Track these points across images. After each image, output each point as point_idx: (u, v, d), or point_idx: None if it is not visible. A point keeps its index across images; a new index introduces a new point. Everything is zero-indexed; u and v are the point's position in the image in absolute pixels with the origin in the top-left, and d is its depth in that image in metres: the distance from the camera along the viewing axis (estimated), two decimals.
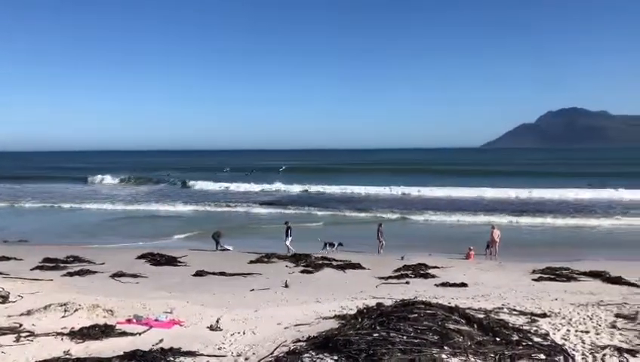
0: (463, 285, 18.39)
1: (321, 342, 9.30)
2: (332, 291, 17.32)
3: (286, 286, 18.53)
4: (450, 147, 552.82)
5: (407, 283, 19.23)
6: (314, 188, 62.43)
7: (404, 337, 9.14)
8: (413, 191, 57.59)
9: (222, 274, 21.11)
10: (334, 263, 23.02)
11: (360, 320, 10.66)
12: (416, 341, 8.97)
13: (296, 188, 63.25)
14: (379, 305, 11.79)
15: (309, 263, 23.16)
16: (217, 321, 12.02)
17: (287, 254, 25.26)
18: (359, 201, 50.85)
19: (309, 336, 10.02)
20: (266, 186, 65.22)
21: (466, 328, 9.90)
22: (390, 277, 20.26)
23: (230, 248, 27.26)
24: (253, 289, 17.91)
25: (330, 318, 11.87)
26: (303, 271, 21.81)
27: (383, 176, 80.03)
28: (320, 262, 23.36)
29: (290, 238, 26.48)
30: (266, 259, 24.20)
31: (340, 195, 57.35)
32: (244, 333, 11.16)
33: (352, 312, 11.88)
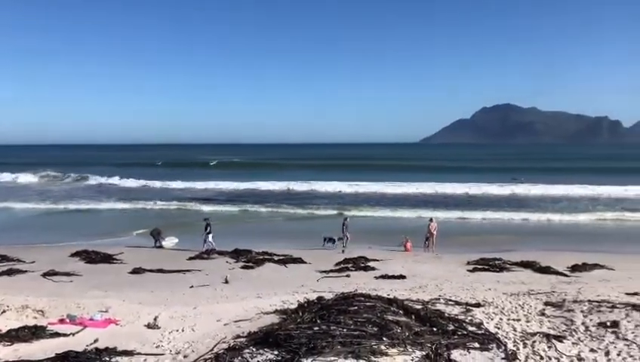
0: (402, 277, 18.76)
1: (262, 337, 9.27)
2: (273, 286, 17.28)
3: (226, 282, 18.34)
4: (389, 142, 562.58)
5: (348, 276, 19.43)
6: (250, 185, 60.44)
7: (345, 330, 9.25)
8: (351, 186, 57.71)
9: (160, 271, 20.64)
10: (275, 258, 22.97)
11: (301, 314, 10.70)
12: (356, 333, 9.10)
13: (232, 185, 60.76)
14: (320, 298, 11.87)
15: (249, 259, 22.99)
16: (155, 319, 11.75)
17: (204, 250, 24.84)
18: (299, 197, 50.42)
19: (250, 332, 9.97)
20: (199, 184, 61.60)
21: (404, 319, 10.13)
22: (331, 271, 20.41)
23: (172, 243, 26.71)
24: (192, 286, 17.61)
25: (271, 313, 11.84)
26: (243, 267, 21.63)
27: (321, 171, 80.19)
28: (261, 257, 23.22)
29: (211, 234, 25.87)
30: (205, 256, 23.85)
31: (279, 191, 56.32)
32: (182, 331, 10.98)
33: (293, 306, 11.90)
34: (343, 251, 25.27)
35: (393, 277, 18.81)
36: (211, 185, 60.88)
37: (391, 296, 12.51)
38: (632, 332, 9.44)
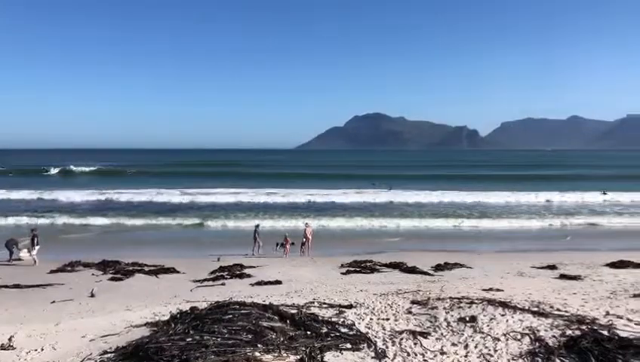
0: (278, 282, 18.85)
1: (131, 352, 8.83)
2: (144, 298, 16.55)
3: (92, 295, 17.25)
4: (266, 148, 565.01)
5: (223, 284, 19.15)
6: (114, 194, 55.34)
7: (219, 339, 9.08)
8: (217, 193, 56.51)
9: (16, 286, 18.92)
10: (146, 269, 22.04)
11: (173, 325, 10.34)
12: (230, 342, 8.97)
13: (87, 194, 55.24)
14: (193, 308, 11.54)
15: (117, 270, 21.85)
16: (10, 339, 10.73)
17: (30, 263, 23.38)
18: (169, 208, 47.20)
19: (118, 347, 9.44)
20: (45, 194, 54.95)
21: (279, 324, 10.16)
22: (206, 280, 20.00)
23: (31, 255, 24.34)
24: (54, 301, 16.34)
25: (142, 326, 11.31)
26: (111, 279, 20.50)
27: (193, 179, 78.33)
28: (131, 268, 22.17)
29: (37, 247, 24.00)
30: (69, 268, 22.27)
31: (146, 201, 52.14)
32: (42, 350, 10.12)
33: (165, 318, 11.46)
34: (252, 255, 25.90)
35: (269, 283, 18.85)
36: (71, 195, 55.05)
37: (266, 302, 12.50)
38: (487, 326, 10.23)
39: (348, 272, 20.73)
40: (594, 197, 53.72)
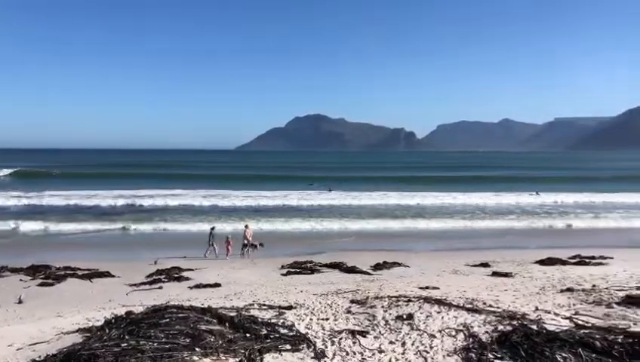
0: (217, 285, 18.61)
1: (62, 360, 8.48)
2: (77, 303, 15.97)
3: (20, 302, 16.48)
4: (205, 149, 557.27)
5: (161, 288, 18.74)
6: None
7: (155, 344, 8.87)
8: (146, 195, 54.75)
9: None
10: (79, 273, 21.26)
11: (107, 331, 10.01)
12: (167, 346, 8.78)
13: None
14: (129, 313, 11.22)
15: (48, 275, 20.95)
16: None
17: None
18: (101, 211, 45.71)
19: (47, 355, 9.05)
20: None
21: (217, 327, 10.03)
22: (142, 284, 19.50)
23: None
24: None
25: (74, 333, 10.90)
26: (41, 284, 19.63)
27: (126, 180, 75.95)
28: (62, 272, 21.32)
29: None
30: None
31: (77, 203, 49.81)
32: None
33: (99, 324, 11.08)
34: (205, 256, 25.81)
35: (208, 285, 18.59)
36: None
37: (205, 306, 12.32)
38: (424, 323, 10.48)
39: (288, 273, 20.73)
40: (527, 198, 55.77)
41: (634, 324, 10.20)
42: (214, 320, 10.53)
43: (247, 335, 9.78)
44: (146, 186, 62.28)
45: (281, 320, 11.12)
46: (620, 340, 8.83)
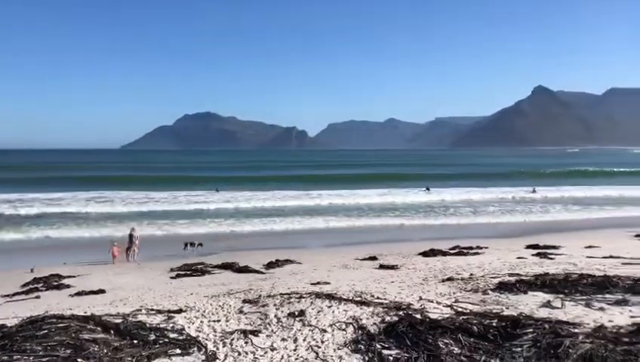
0: (101, 291, 17.67)
1: None
2: None
3: None
4: (87, 148, 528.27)
5: (38, 297, 17.43)
6: None
7: (31, 358, 8.28)
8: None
9: None
10: None
11: None
12: (45, 359, 8.23)
13: None
14: (0, 326, 10.37)
15: None
16: None
17: None
18: None
19: None
20: None
21: (102, 336, 9.55)
22: (17, 294, 18.04)
23: None
24: None
25: None
26: None
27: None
28: None
29: None
30: None
31: None
32: None
33: None
34: (128, 260, 24.81)
35: (92, 292, 17.58)
36: None
37: (88, 314, 11.69)
38: (315, 318, 10.65)
39: (178, 276, 20.15)
40: (416, 195, 58.21)
41: (506, 308, 11.05)
42: (98, 329, 10.02)
43: (135, 341, 9.41)
44: (22, 190, 57.76)
45: (171, 325, 10.81)
46: (494, 324, 9.53)
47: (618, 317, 10.19)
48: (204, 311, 12.01)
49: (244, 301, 12.84)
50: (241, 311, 11.82)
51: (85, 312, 12.25)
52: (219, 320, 11.12)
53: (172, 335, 9.91)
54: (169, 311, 12.09)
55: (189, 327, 10.59)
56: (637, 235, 28.78)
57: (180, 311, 12.16)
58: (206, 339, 9.78)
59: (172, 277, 19.99)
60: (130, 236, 26.26)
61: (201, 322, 11.04)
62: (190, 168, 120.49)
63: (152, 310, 12.37)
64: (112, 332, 9.86)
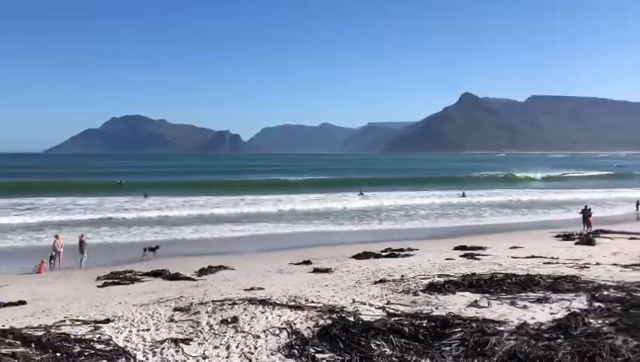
0: (22, 303, 16.71)
1: None
2: None
3: None
4: (9, 152, 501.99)
5: None
6: None
7: None
8: None
9: None
10: None
11: None
12: None
13: None
14: None
15: None
16: None
17: None
18: None
19: None
20: None
21: (21, 350, 9.08)
22: None
23: None
24: None
25: None
26: None
27: None
28: None
29: None
30: None
31: None
32: None
33: None
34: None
35: (11, 304, 16.59)
36: None
37: (6, 327, 11.07)
38: (248, 324, 10.54)
39: (105, 285, 19.41)
40: (351, 200, 58.76)
41: (436, 309, 11.34)
42: (18, 342, 9.53)
43: (58, 354, 8.99)
44: None
45: (97, 335, 10.41)
46: (424, 324, 9.77)
47: (540, 314, 10.68)
48: (133, 321, 11.62)
49: (175, 309, 12.53)
50: (171, 320, 11.53)
51: (4, 326, 11.60)
52: (148, 329, 10.80)
53: (99, 347, 9.54)
54: (96, 322, 11.63)
55: (116, 337, 10.23)
56: (557, 236, 30.35)
57: (107, 320, 11.72)
58: (135, 349, 9.47)
59: (99, 286, 19.25)
60: (54, 244, 25.10)
61: (130, 332, 10.68)
62: (118, 173, 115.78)
63: (78, 321, 11.86)
64: (33, 345, 9.39)
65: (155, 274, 20.98)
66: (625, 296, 11.91)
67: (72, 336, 10.14)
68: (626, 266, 17.65)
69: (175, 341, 9.84)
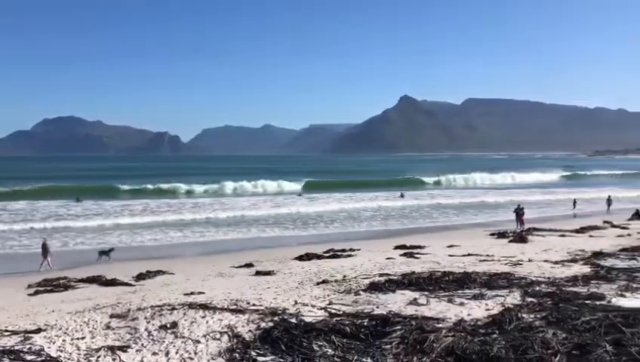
0: None
1: None
2: None
3: None
4: None
5: None
6: None
7: None
8: None
9: None
10: None
11: None
12: None
13: None
14: None
15: None
16: None
17: None
18: None
19: None
20: None
21: None
22: None
23: None
24: None
25: None
26: None
27: None
28: None
29: None
30: None
31: None
32: None
33: None
34: (39, 270, 23.19)
35: None
36: None
37: None
38: (188, 329, 10.35)
39: (37, 293, 18.57)
40: (292, 202, 58.73)
41: (377, 307, 11.50)
42: None
43: None
44: None
45: (28, 346, 9.94)
46: (365, 323, 9.88)
47: (476, 310, 11.03)
48: (67, 329, 11.17)
49: (112, 315, 12.14)
50: (108, 327, 11.16)
51: None
52: (83, 338, 10.42)
53: (29, 358, 9.13)
54: (26, 332, 11.10)
55: (49, 347, 9.81)
56: (492, 234, 31.46)
57: (39, 330, 11.21)
58: (69, 359, 9.12)
59: (30, 294, 18.41)
60: None
61: (64, 341, 10.27)
62: (49, 177, 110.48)
63: (6, 331, 11.28)
64: None
65: (91, 280, 20.26)
66: (555, 291, 12.48)
67: (0, 348, 9.66)
68: (556, 262, 18.51)
69: (112, 348, 9.53)
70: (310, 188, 76.14)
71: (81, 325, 11.49)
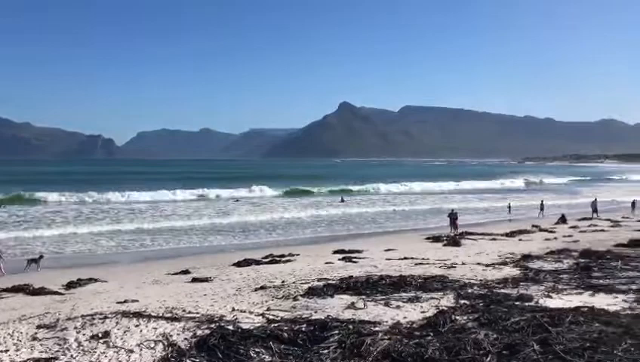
0: None
1: None
2: None
3: None
4: None
5: None
6: None
7: None
8: None
9: None
10: None
11: None
12: None
13: None
14: None
15: None
16: None
17: None
18: None
19: None
20: None
21: None
22: None
23: None
24: None
25: None
26: None
27: None
28: None
29: None
30: None
31: None
32: None
33: None
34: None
35: None
36: None
37: None
38: (121, 339, 10.02)
39: None
40: (229, 207, 58.31)
41: (315, 312, 11.53)
42: None
43: None
44: None
45: None
46: (303, 328, 9.88)
47: (412, 313, 11.26)
48: None
49: (39, 326, 11.59)
50: (34, 338, 10.64)
51: None
52: (7, 351, 9.89)
53: None
54: None
55: None
56: (427, 238, 32.26)
57: None
58: None
59: None
60: None
61: None
62: None
63: None
64: None
65: (17, 289, 19.21)
66: (487, 293, 12.94)
67: None
68: (487, 265, 19.18)
69: (38, 361, 9.10)
70: (251, 193, 75.52)
71: (4, 337, 10.90)
